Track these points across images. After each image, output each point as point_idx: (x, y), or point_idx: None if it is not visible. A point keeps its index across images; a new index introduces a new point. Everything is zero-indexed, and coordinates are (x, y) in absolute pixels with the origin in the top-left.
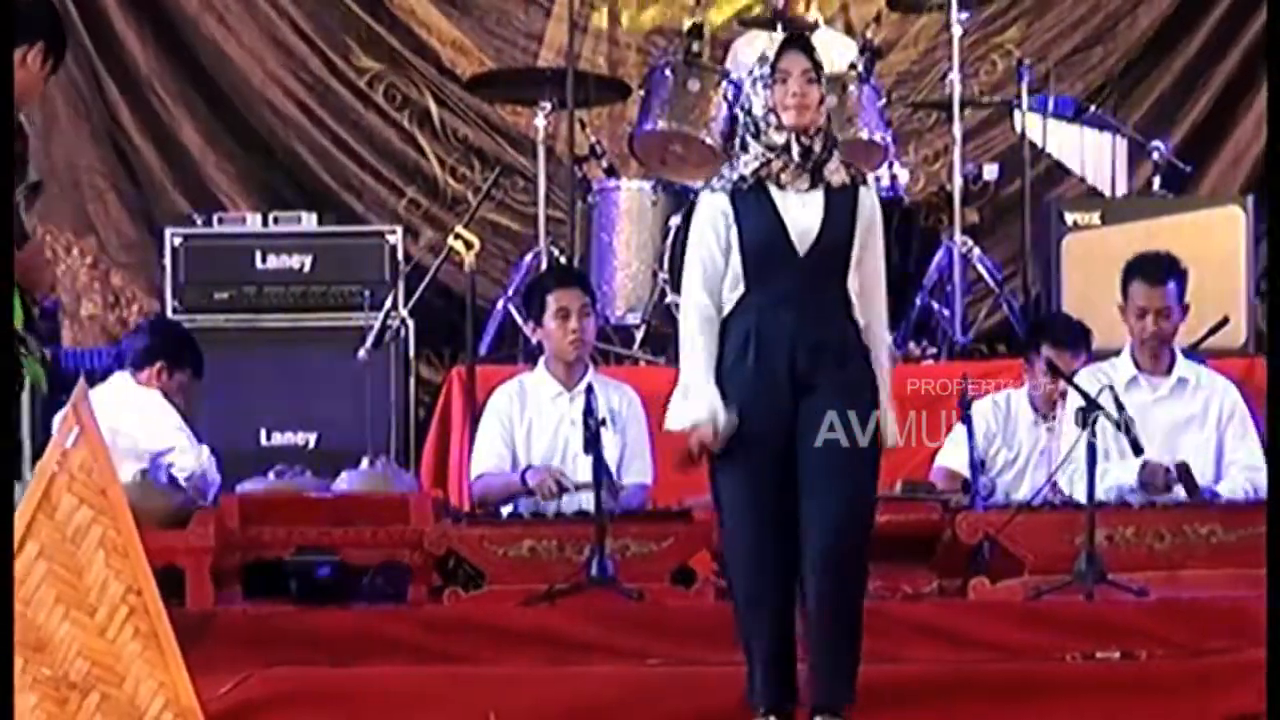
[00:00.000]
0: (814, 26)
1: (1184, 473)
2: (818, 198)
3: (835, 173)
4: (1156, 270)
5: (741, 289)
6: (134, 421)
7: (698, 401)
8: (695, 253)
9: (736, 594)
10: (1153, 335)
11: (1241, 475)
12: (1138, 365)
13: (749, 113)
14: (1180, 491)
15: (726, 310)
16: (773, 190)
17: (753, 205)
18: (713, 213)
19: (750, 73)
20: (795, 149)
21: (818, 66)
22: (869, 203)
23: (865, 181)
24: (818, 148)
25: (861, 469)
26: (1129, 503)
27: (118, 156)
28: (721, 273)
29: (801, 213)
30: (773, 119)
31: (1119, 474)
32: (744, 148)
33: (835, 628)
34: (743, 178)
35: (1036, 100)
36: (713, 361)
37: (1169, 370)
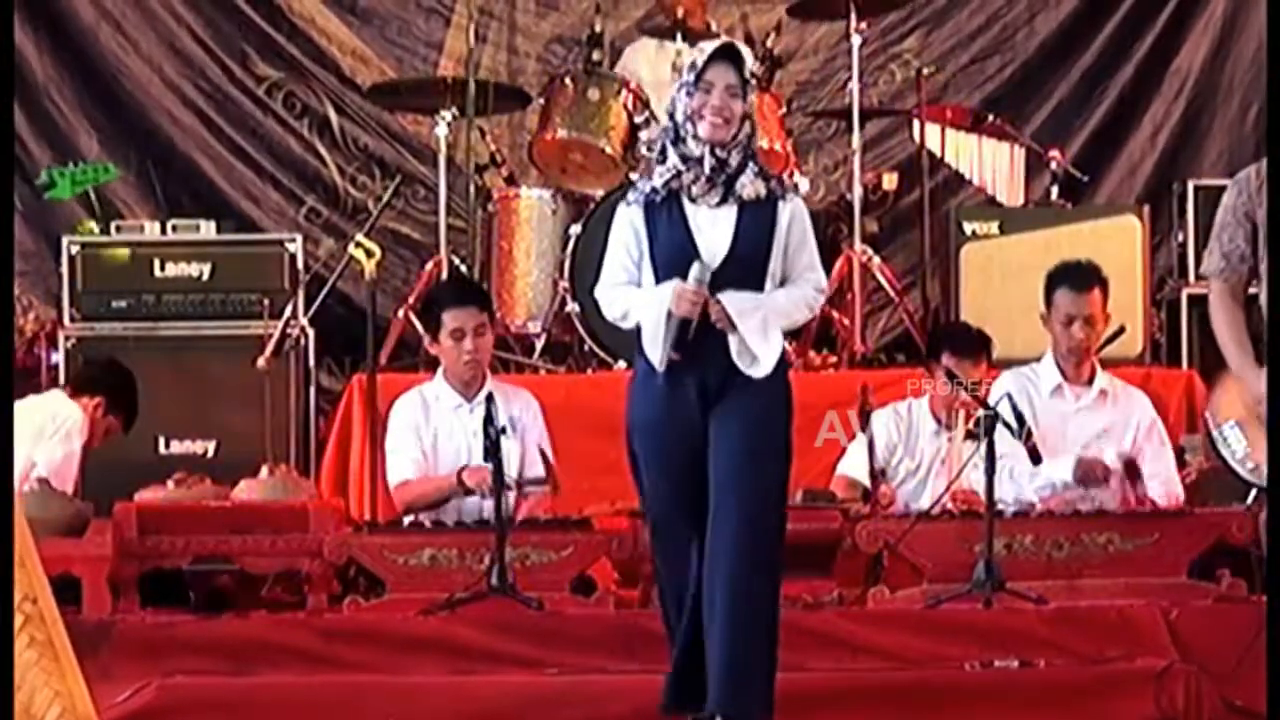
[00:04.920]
0: (714, 35)
1: (1130, 466)
2: (730, 213)
3: (748, 186)
4: (1082, 277)
5: None
6: (46, 446)
7: (658, 292)
8: (610, 261)
9: (667, 597)
10: (1079, 343)
11: (1162, 488)
12: (1063, 374)
13: (672, 117)
14: (1114, 485)
15: None
16: (685, 203)
17: (664, 219)
18: (624, 227)
19: (680, 73)
20: (709, 162)
21: (744, 81)
22: (788, 217)
23: (786, 195)
24: (733, 162)
25: (769, 479)
26: (1038, 506)
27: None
28: (636, 282)
29: (712, 228)
30: (690, 127)
31: (1050, 471)
32: (663, 155)
33: (743, 632)
34: (655, 190)
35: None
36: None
37: (1090, 381)
